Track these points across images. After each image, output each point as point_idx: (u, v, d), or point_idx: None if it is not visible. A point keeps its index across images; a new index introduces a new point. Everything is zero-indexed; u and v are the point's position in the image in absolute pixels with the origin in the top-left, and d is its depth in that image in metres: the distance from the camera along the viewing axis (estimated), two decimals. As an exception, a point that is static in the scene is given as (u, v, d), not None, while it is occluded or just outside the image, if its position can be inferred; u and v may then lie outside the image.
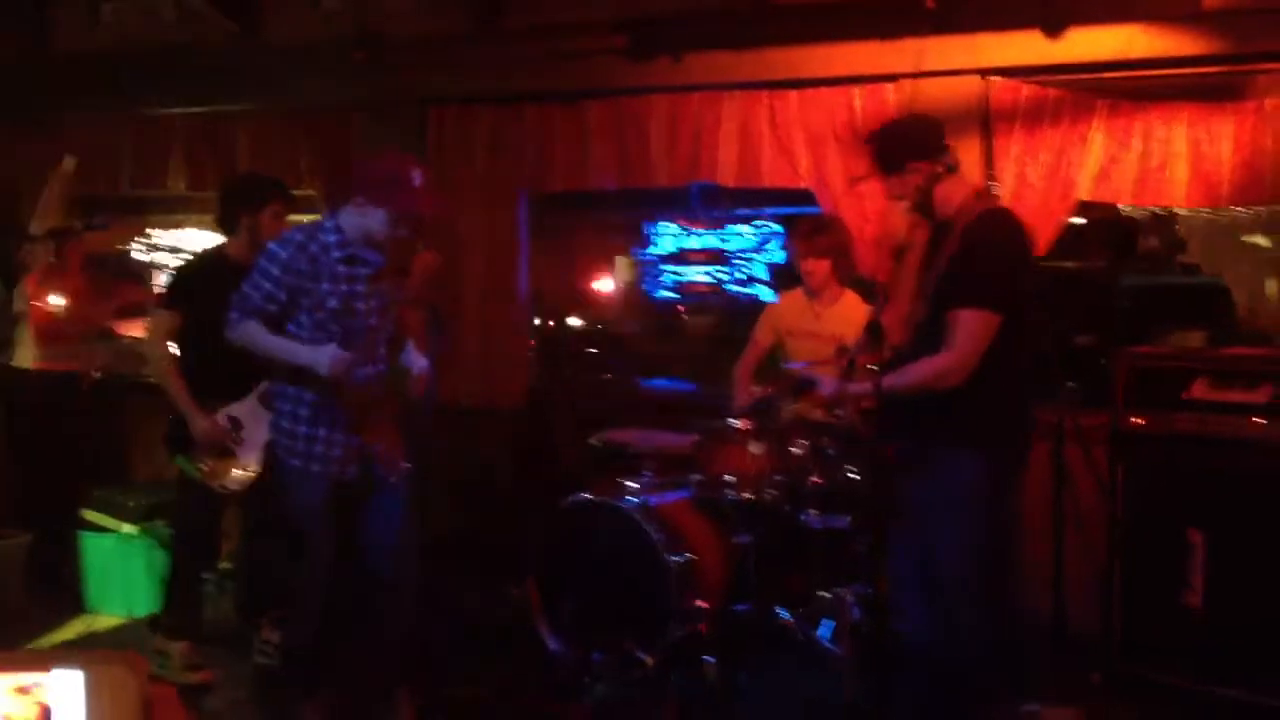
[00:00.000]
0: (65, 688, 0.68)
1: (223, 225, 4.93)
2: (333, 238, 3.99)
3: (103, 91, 6.77)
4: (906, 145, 3.81)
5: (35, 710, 0.71)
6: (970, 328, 3.55)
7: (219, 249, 4.94)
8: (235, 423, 4.69)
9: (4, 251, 7.20)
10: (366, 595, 4.20)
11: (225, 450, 4.68)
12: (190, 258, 4.90)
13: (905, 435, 3.74)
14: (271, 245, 4.02)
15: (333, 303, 3.96)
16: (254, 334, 4.02)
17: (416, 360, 4.26)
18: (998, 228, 3.69)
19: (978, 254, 3.59)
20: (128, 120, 6.94)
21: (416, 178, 3.97)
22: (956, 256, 3.61)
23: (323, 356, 3.89)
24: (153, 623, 4.96)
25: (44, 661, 0.71)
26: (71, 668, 0.69)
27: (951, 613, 3.72)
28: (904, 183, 3.76)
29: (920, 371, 3.62)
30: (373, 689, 4.28)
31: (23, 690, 0.71)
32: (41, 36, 6.43)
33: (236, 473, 4.67)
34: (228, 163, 6.74)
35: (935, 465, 3.68)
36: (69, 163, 7.02)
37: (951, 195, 3.74)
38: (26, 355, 7.12)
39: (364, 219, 3.98)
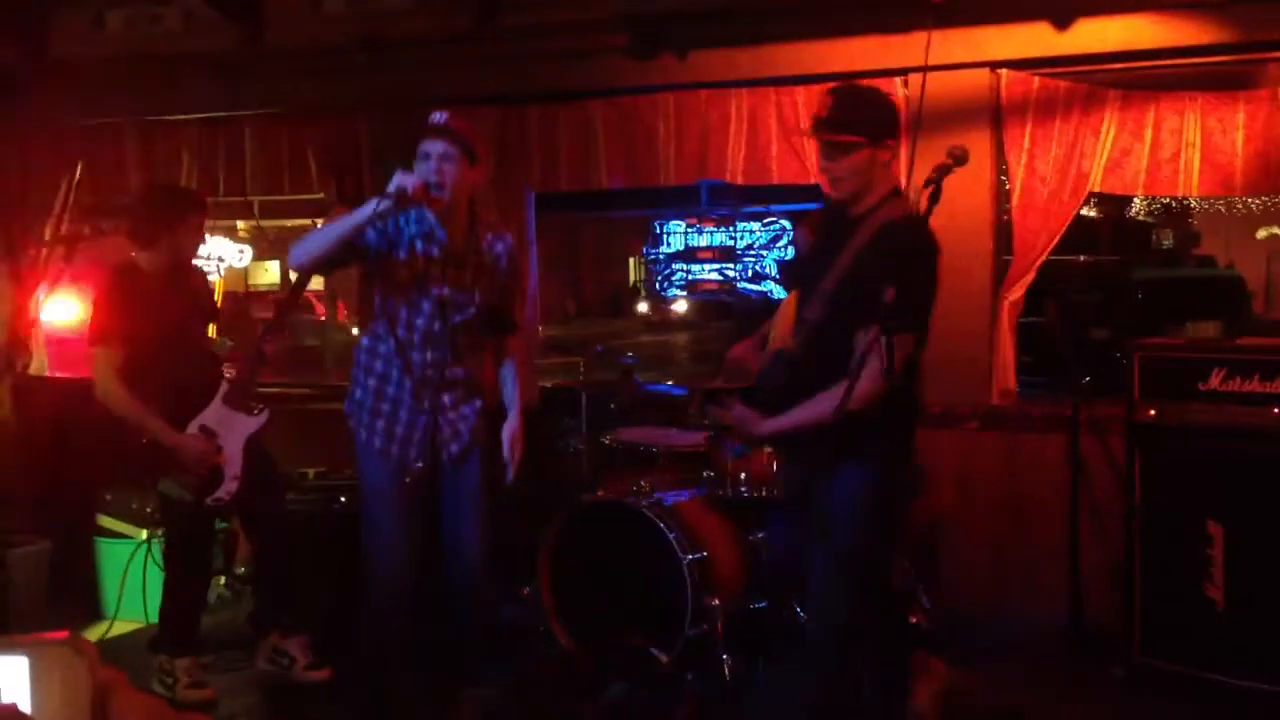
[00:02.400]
0: (11, 674, 0.66)
1: (138, 238, 4.73)
2: (414, 216, 3.92)
3: (109, 98, 6.78)
4: (891, 121, 3.53)
5: None
6: (904, 352, 3.29)
7: (132, 265, 4.73)
8: (208, 432, 4.59)
9: (16, 258, 7.23)
10: (440, 598, 4.16)
11: (211, 463, 4.59)
12: (105, 284, 4.71)
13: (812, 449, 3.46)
14: None
15: (404, 273, 3.91)
16: (310, 236, 3.90)
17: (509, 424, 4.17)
18: (921, 237, 3.39)
19: (903, 267, 3.25)
20: (134, 127, 6.95)
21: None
22: (868, 260, 3.33)
23: (394, 181, 3.67)
24: (152, 643, 4.89)
25: None
26: (14, 653, 0.66)
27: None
28: (874, 159, 3.43)
29: (828, 400, 3.26)
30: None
31: None
32: (46, 43, 6.44)
33: (224, 486, 4.59)
34: (236, 168, 6.75)
35: (846, 477, 3.45)
36: (79, 169, 7.04)
37: (879, 187, 3.48)
38: (41, 363, 7.15)
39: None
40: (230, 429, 4.63)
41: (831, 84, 5.48)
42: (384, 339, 3.99)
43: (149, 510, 5.61)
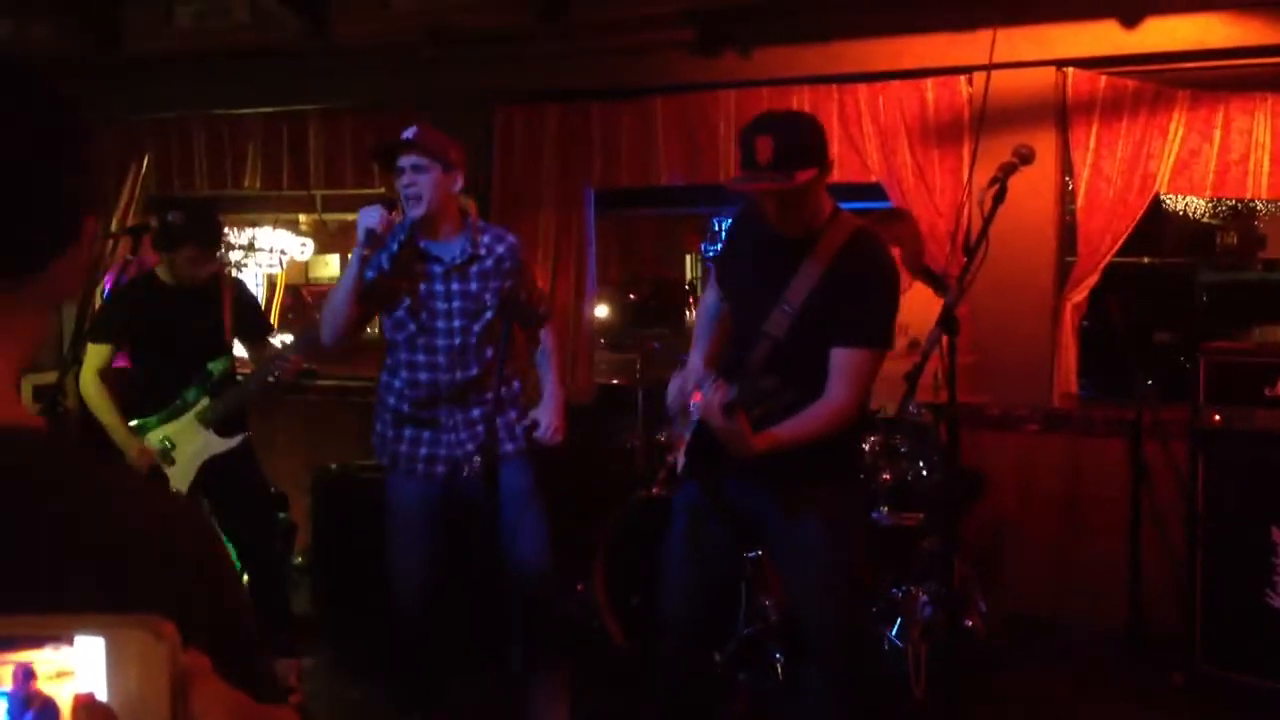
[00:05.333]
0: (86, 655, 0.64)
1: (155, 248, 4.72)
2: (401, 234, 3.87)
3: (176, 91, 6.88)
4: (823, 145, 3.29)
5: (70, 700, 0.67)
6: (867, 368, 3.25)
7: (151, 272, 4.75)
8: (169, 442, 4.62)
9: (81, 251, 7.33)
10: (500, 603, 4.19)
11: (157, 474, 4.57)
12: (121, 287, 4.75)
13: (764, 472, 3.31)
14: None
15: (407, 300, 3.87)
16: (324, 316, 3.90)
17: (545, 416, 4.13)
18: (885, 255, 3.36)
19: (874, 287, 3.27)
20: (201, 120, 7.05)
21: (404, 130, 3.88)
22: (840, 276, 3.23)
23: (361, 224, 3.70)
24: None
25: (67, 627, 0.66)
26: (91, 633, 0.64)
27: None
28: (821, 182, 3.26)
29: (818, 419, 3.21)
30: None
31: (63, 674, 0.67)
32: (116, 37, 6.54)
33: None
34: (300, 161, 6.83)
35: (827, 501, 3.37)
36: (145, 162, 7.15)
37: (825, 205, 3.31)
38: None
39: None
40: (191, 444, 4.62)
41: (893, 81, 5.52)
42: (400, 370, 3.95)
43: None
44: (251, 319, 4.94)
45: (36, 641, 0.70)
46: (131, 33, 6.53)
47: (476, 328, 3.90)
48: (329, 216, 7.76)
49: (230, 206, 7.45)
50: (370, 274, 3.84)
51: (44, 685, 0.70)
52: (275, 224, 7.98)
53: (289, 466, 6.14)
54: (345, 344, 3.96)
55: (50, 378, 6.59)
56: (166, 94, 6.92)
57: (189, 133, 7.10)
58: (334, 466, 5.68)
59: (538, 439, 4.08)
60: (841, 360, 3.22)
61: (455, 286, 3.88)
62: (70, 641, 0.70)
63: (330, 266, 9.27)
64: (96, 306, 6.75)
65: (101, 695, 0.70)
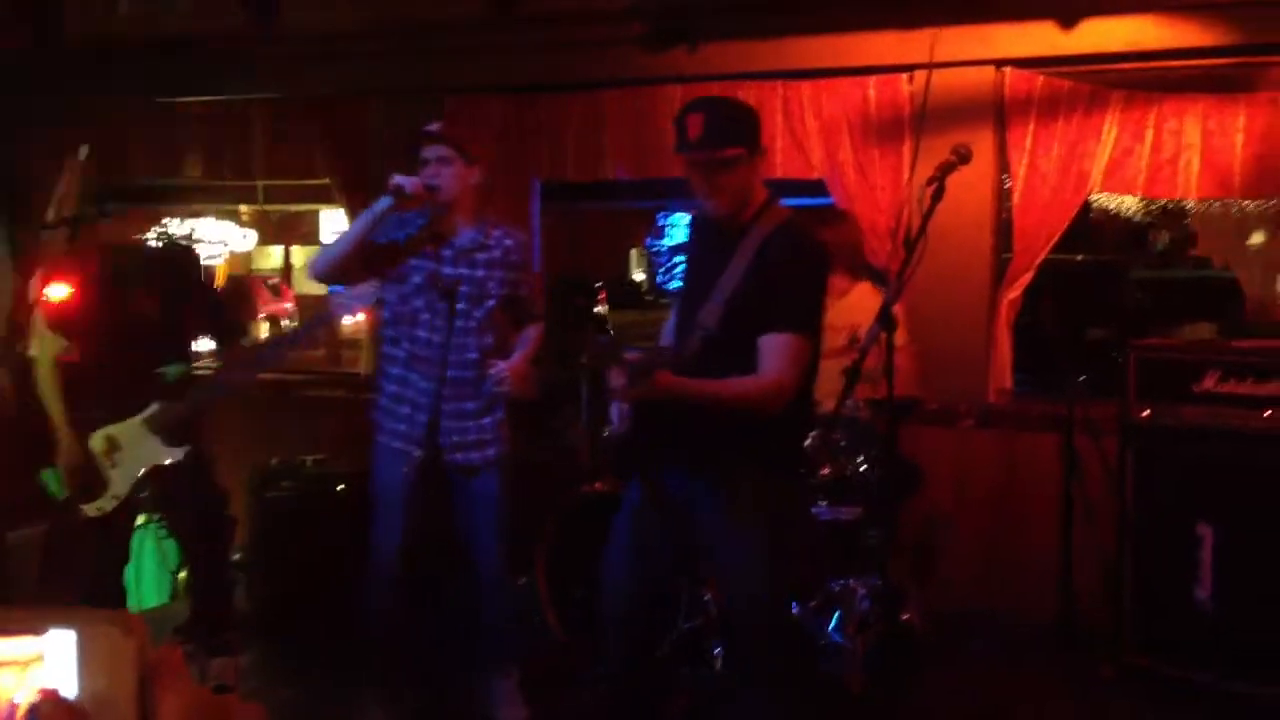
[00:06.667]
0: (58, 647, 0.64)
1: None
2: (423, 219, 4.05)
3: (118, 80, 6.78)
4: (758, 130, 3.36)
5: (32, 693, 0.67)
6: (793, 351, 3.21)
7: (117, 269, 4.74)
8: (113, 443, 4.53)
9: (18, 240, 7.22)
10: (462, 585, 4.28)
11: (94, 474, 4.54)
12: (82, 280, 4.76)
13: (701, 459, 3.34)
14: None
15: (416, 278, 4.02)
16: (326, 247, 4.10)
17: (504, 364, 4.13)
18: (810, 243, 3.38)
19: (794, 273, 3.26)
20: (143, 108, 6.96)
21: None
22: (764, 265, 3.24)
23: (393, 181, 3.84)
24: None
25: (36, 621, 0.66)
26: (63, 627, 0.65)
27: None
28: (754, 169, 3.31)
29: (737, 386, 3.21)
30: (471, 679, 4.37)
31: (4, 664, 0.67)
32: (57, 24, 6.45)
33: (97, 501, 4.53)
34: (243, 151, 6.76)
35: (742, 492, 3.33)
36: (83, 151, 7.04)
37: (758, 194, 3.35)
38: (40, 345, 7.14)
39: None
40: (138, 450, 4.53)
41: (837, 78, 5.57)
42: (400, 343, 4.08)
43: (144, 495, 5.61)
44: (219, 320, 4.96)
45: (9, 633, 0.71)
46: (73, 19, 6.45)
47: (478, 313, 4.05)
48: (271, 207, 7.72)
49: (171, 196, 7.39)
50: (380, 239, 3.99)
51: None
52: (217, 215, 7.92)
53: (227, 462, 6.08)
54: (328, 281, 4.09)
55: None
56: (108, 81, 6.82)
57: (130, 121, 7.00)
58: (274, 462, 5.65)
59: (491, 377, 4.07)
60: (766, 344, 3.21)
61: (463, 270, 4.04)
62: (41, 633, 0.72)
63: (272, 258, 9.22)
64: (37, 297, 6.66)
65: (71, 686, 0.71)
